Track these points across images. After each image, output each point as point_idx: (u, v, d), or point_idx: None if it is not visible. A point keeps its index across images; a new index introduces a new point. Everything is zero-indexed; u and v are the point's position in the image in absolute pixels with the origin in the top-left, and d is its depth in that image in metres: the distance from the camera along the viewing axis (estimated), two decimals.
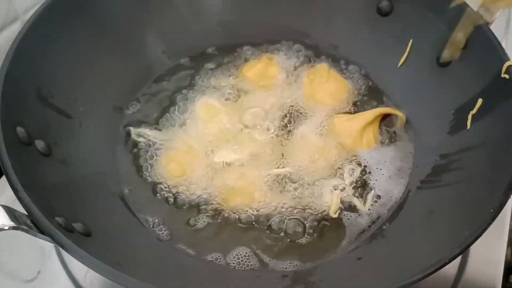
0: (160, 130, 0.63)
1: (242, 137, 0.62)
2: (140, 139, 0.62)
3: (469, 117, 0.56)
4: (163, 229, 0.55)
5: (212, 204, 0.57)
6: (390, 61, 0.67)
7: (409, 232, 0.53)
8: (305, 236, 0.55)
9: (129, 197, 0.58)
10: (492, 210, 0.45)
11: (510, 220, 0.60)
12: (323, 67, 0.69)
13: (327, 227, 0.56)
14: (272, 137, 0.62)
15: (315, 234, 0.55)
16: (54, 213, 0.45)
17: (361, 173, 0.60)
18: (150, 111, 0.65)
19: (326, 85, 0.67)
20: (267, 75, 0.69)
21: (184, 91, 0.67)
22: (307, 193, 0.58)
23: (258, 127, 0.63)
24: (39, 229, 0.42)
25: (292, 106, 0.66)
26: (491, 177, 0.49)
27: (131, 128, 0.63)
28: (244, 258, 0.53)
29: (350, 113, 0.65)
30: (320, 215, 0.57)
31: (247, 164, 0.60)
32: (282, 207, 0.57)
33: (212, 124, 0.63)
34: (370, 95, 0.67)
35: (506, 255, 0.57)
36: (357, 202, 0.57)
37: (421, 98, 0.63)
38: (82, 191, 0.54)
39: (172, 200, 0.58)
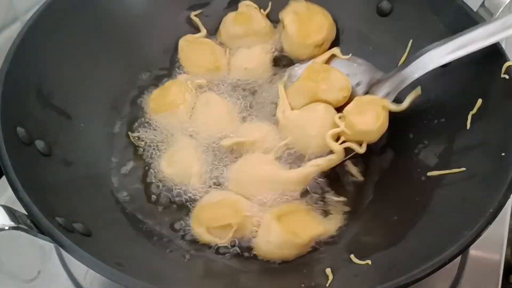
0: (158, 130, 0.63)
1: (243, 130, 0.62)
2: (140, 143, 0.62)
3: (469, 117, 0.56)
4: (163, 229, 0.55)
5: None
6: (390, 61, 0.67)
7: (409, 231, 0.53)
8: None
9: (128, 197, 0.58)
10: (492, 210, 0.45)
11: (510, 220, 0.60)
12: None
13: None
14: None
15: None
16: (54, 213, 0.45)
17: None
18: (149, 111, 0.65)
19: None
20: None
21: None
22: None
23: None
24: (39, 229, 0.43)
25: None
26: (491, 177, 0.49)
27: (130, 133, 0.62)
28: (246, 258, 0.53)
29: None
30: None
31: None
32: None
33: (213, 121, 0.63)
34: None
35: (506, 255, 0.57)
36: (354, 170, 0.58)
37: (420, 98, 0.63)
38: (82, 191, 0.54)
39: (172, 201, 0.57)
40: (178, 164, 0.59)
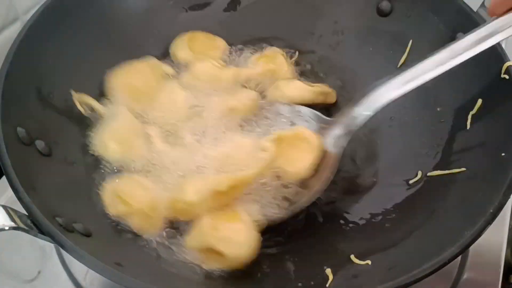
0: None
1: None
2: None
3: (469, 117, 0.56)
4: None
5: None
6: (390, 61, 0.67)
7: (409, 232, 0.53)
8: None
9: None
10: (492, 210, 0.45)
11: (510, 220, 0.60)
12: None
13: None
14: None
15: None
16: (54, 213, 0.45)
17: None
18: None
19: None
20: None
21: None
22: None
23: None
24: (39, 230, 0.43)
25: None
26: (491, 177, 0.49)
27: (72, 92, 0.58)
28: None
29: None
30: None
31: None
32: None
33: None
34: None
35: (506, 255, 0.57)
36: None
37: (420, 98, 0.63)
38: (82, 191, 0.54)
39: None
40: (124, 141, 0.57)
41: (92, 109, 0.59)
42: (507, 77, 0.54)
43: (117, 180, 0.55)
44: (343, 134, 0.56)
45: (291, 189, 0.56)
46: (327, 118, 0.59)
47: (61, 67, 0.58)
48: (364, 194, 0.59)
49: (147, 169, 0.56)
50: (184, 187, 0.52)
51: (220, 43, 0.69)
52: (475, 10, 0.59)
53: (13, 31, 0.67)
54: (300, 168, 0.56)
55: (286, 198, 0.55)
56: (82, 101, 0.58)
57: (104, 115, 0.59)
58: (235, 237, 0.50)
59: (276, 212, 0.54)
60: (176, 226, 0.53)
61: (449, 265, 0.42)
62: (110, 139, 0.56)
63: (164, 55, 0.69)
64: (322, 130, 0.58)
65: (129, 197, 0.52)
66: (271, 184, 0.56)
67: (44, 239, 0.43)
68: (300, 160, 0.56)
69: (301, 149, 0.57)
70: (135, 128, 0.58)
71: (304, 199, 0.55)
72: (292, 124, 0.60)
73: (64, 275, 0.56)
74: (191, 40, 0.68)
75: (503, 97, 0.54)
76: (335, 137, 0.57)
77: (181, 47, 0.67)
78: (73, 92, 0.57)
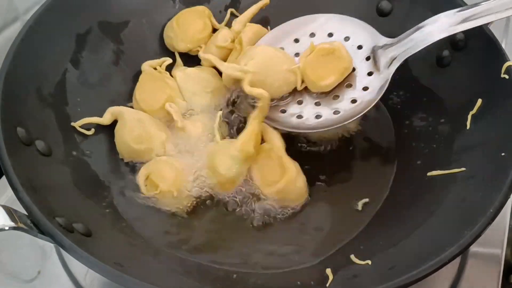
0: None
1: None
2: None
3: (469, 117, 0.56)
4: (162, 227, 0.55)
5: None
6: None
7: (409, 232, 0.53)
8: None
9: (128, 197, 0.57)
10: (492, 210, 0.45)
11: (510, 220, 0.60)
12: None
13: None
14: None
15: None
16: (54, 213, 0.45)
17: None
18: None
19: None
20: None
21: None
22: None
23: None
24: (40, 230, 0.43)
25: None
26: (491, 177, 0.49)
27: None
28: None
29: None
30: None
31: None
32: None
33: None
34: None
35: (506, 255, 0.58)
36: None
37: (420, 99, 0.63)
38: (82, 191, 0.54)
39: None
40: (145, 138, 0.58)
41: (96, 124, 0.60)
42: (507, 77, 0.54)
43: (149, 164, 0.57)
44: (397, 56, 0.57)
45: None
46: (384, 37, 0.60)
47: (61, 67, 0.59)
48: None
49: (174, 151, 0.59)
50: (216, 166, 0.55)
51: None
52: None
53: (13, 31, 0.67)
54: (323, 83, 0.58)
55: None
56: (83, 124, 0.59)
57: (109, 122, 0.60)
58: (288, 193, 0.55)
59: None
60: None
61: (449, 265, 0.43)
62: (131, 141, 0.58)
63: (164, 49, 0.69)
64: (376, 48, 0.59)
65: (159, 179, 0.55)
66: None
67: (44, 239, 0.43)
68: (324, 76, 0.58)
69: (331, 64, 0.58)
70: (147, 120, 0.59)
71: (349, 112, 0.57)
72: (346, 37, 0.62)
73: (64, 275, 0.56)
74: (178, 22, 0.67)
75: (503, 97, 0.54)
76: (389, 58, 0.58)
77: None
78: (72, 124, 0.58)
